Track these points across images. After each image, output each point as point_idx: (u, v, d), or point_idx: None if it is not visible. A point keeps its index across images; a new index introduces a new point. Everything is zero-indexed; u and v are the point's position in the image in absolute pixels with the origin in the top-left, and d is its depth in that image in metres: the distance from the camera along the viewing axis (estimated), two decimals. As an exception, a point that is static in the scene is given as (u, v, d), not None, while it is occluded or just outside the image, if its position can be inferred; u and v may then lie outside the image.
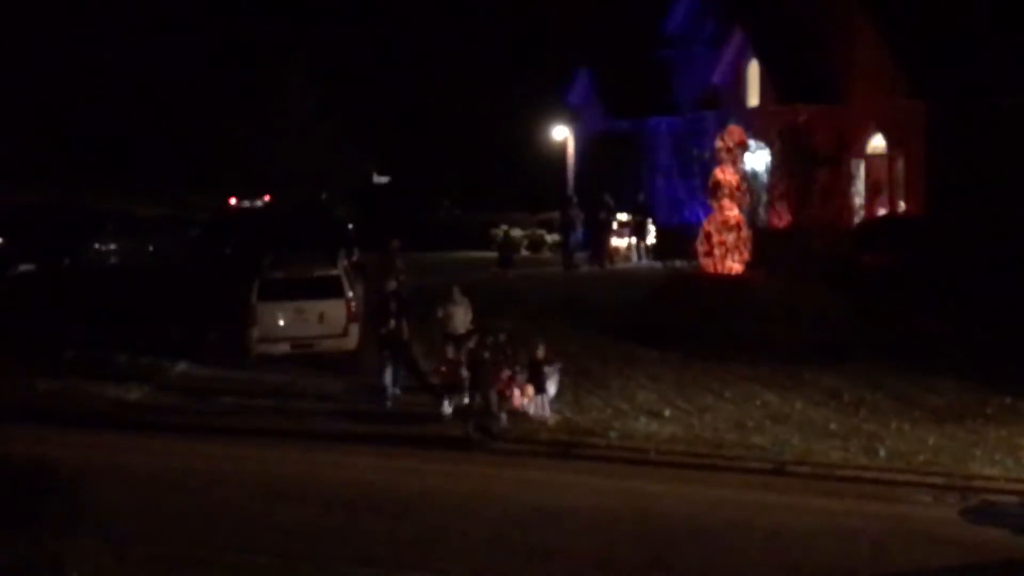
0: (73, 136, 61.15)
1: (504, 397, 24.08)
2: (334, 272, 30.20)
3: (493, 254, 49.86)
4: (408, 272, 33.06)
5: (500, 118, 58.04)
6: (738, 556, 16.91)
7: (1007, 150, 37.70)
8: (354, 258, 36.90)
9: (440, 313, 26.91)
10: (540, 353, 24.77)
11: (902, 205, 43.04)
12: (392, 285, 27.72)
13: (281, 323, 29.48)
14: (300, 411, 26.12)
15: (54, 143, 61.49)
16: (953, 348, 29.12)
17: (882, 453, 21.92)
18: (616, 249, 46.47)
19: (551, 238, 49.32)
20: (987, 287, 32.72)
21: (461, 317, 26.77)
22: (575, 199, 48.41)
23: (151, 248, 49.17)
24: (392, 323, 26.13)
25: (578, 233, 46.71)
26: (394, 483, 20.76)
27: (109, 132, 62.44)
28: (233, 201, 61.77)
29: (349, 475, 21.22)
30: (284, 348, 29.51)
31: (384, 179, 67.05)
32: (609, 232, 46.06)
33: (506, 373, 24.35)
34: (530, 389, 24.48)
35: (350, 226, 50.09)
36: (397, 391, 26.18)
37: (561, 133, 53.45)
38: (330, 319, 29.41)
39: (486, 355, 23.83)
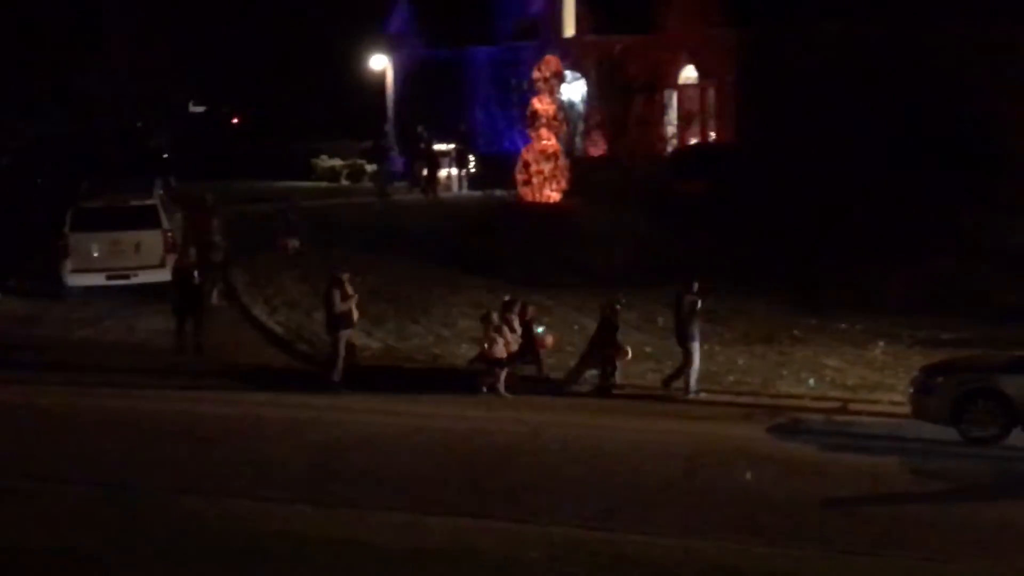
0: None
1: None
2: (150, 201, 29.78)
3: (314, 183, 49.61)
4: (225, 235, 30.39)
5: (320, 47, 57.38)
6: (559, 475, 17.38)
7: (817, 76, 38.59)
8: (172, 185, 36.33)
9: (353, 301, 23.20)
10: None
11: (713, 134, 44.02)
12: (192, 255, 26.10)
13: (96, 254, 29.01)
14: (121, 344, 25.85)
15: None
16: (763, 272, 30.05)
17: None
18: (436, 179, 46.57)
19: (371, 168, 49.21)
20: (796, 212, 33.74)
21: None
22: (388, 129, 48.27)
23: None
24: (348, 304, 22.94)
25: (392, 163, 46.73)
26: (220, 413, 20.81)
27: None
28: None
29: (174, 407, 21.16)
30: (99, 279, 29.05)
31: (201, 108, 65.93)
32: (435, 162, 46.16)
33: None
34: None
35: (166, 155, 49.30)
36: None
37: (380, 62, 53.14)
38: (146, 249, 29.03)
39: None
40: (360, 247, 33.33)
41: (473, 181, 46.34)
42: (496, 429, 19.88)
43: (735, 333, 25.32)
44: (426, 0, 55.16)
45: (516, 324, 22.66)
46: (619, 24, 45.34)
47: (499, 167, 43.41)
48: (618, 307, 22.84)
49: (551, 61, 40.80)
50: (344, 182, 50.35)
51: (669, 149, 44.22)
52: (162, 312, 27.53)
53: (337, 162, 51.75)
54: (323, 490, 16.65)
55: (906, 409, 20.17)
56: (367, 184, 48.12)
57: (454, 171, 47.53)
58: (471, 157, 47.61)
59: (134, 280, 29.02)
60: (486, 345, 22.22)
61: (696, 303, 21.95)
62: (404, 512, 15.67)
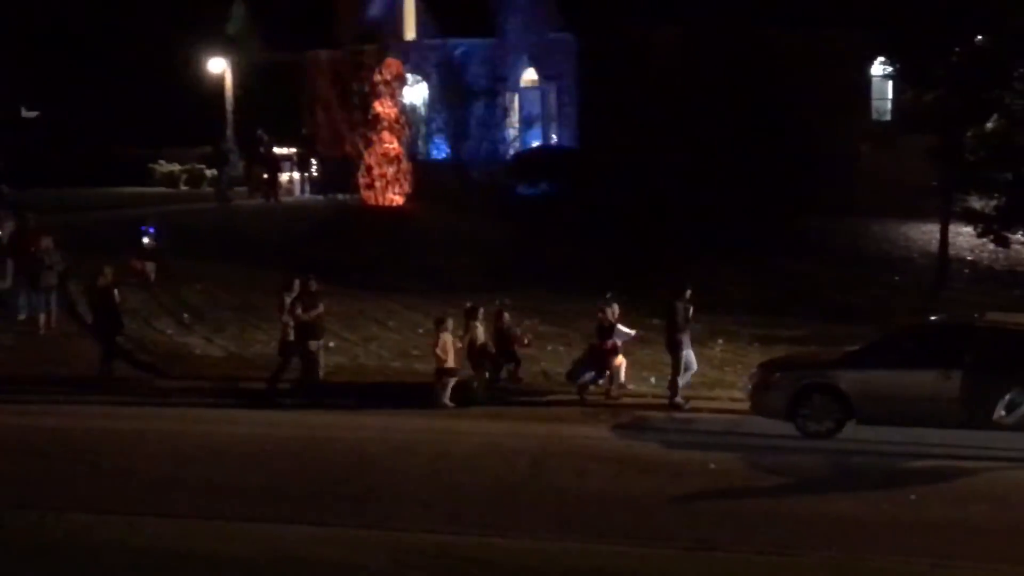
0: None
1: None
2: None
3: (152, 189, 48.76)
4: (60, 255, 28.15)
5: (156, 49, 56.38)
6: (404, 479, 17.38)
7: (654, 80, 39.19)
8: (4, 193, 35.39)
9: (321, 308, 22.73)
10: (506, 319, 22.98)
11: (554, 137, 44.41)
12: (109, 274, 24.08)
13: None
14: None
15: None
16: (605, 273, 30.39)
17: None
18: (278, 183, 46.16)
19: (210, 173, 48.60)
20: (637, 214, 34.23)
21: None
22: (228, 133, 47.78)
23: None
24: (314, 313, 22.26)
25: (232, 167, 46.26)
26: (59, 426, 20.36)
27: None
28: None
29: (9, 420, 20.65)
30: None
31: (34, 114, 64.37)
32: (276, 166, 45.75)
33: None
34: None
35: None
36: None
37: (219, 65, 52.45)
38: None
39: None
40: (200, 253, 32.90)
41: (315, 185, 46.06)
42: (341, 436, 19.81)
43: (579, 334, 25.55)
44: (265, 2, 54.67)
45: (479, 332, 22.22)
46: (460, 27, 45.45)
47: (341, 171, 43.25)
48: (605, 309, 22.14)
49: (392, 64, 40.81)
50: (183, 187, 49.59)
51: (511, 152, 44.53)
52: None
53: (176, 167, 50.94)
54: (167, 501, 16.40)
55: (745, 405, 20.60)
56: (207, 189, 47.50)
57: (296, 175, 47.20)
58: (313, 161, 47.32)
59: None
60: (439, 352, 21.73)
61: (689, 310, 21.64)
62: (250, 522, 15.52)
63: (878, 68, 38.45)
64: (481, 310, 22.58)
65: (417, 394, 22.17)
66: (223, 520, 15.60)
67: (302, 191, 46.67)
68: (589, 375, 21.99)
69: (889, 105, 39.67)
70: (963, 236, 32.25)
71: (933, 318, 21.74)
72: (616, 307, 22.39)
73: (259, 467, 18.05)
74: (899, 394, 19.10)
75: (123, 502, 16.33)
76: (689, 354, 21.69)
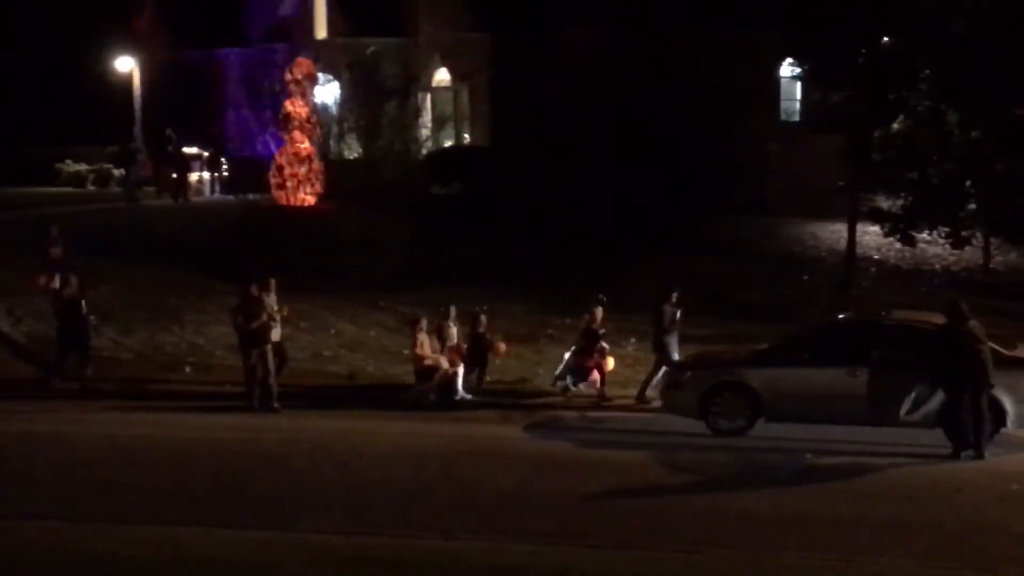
0: None
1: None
2: None
3: (59, 189, 48.09)
4: None
5: (62, 47, 55.61)
6: (317, 480, 17.24)
7: (565, 80, 39.32)
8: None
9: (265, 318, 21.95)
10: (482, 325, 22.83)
11: (467, 136, 44.41)
12: (74, 283, 23.26)
13: None
14: None
15: None
16: (518, 272, 30.45)
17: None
18: (187, 183, 45.71)
19: (119, 172, 48.04)
20: (548, 214, 34.31)
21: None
22: (136, 132, 47.31)
23: None
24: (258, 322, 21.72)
25: (140, 167, 45.77)
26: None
27: None
28: None
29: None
30: None
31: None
32: (185, 166, 45.32)
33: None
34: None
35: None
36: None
37: (126, 64, 51.83)
38: None
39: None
40: (108, 254, 32.45)
41: (226, 185, 45.68)
42: (248, 438, 19.63)
43: (493, 333, 25.53)
44: (174, 0, 54.07)
45: (452, 334, 22.14)
46: (371, 26, 45.35)
47: (252, 170, 42.94)
48: (594, 311, 22.10)
49: (303, 63, 40.59)
50: (91, 187, 48.96)
51: (423, 152, 44.48)
52: None
53: (83, 167, 50.29)
54: (67, 504, 16.10)
55: (657, 403, 20.71)
56: (114, 189, 46.93)
57: (206, 175, 46.77)
58: (223, 160, 46.93)
59: None
60: (418, 351, 21.68)
61: (676, 313, 21.65)
62: (155, 524, 15.30)
63: (787, 69, 38.85)
64: (453, 309, 22.64)
65: (329, 396, 22.09)
66: (130, 523, 15.37)
67: (212, 191, 46.28)
68: (569, 379, 21.97)
69: (798, 106, 40.12)
70: (870, 235, 32.67)
71: (841, 316, 21.98)
72: (600, 310, 22.33)
73: (165, 468, 17.82)
74: (808, 391, 19.29)
75: (21, 505, 16.04)
76: (673, 357, 21.60)
